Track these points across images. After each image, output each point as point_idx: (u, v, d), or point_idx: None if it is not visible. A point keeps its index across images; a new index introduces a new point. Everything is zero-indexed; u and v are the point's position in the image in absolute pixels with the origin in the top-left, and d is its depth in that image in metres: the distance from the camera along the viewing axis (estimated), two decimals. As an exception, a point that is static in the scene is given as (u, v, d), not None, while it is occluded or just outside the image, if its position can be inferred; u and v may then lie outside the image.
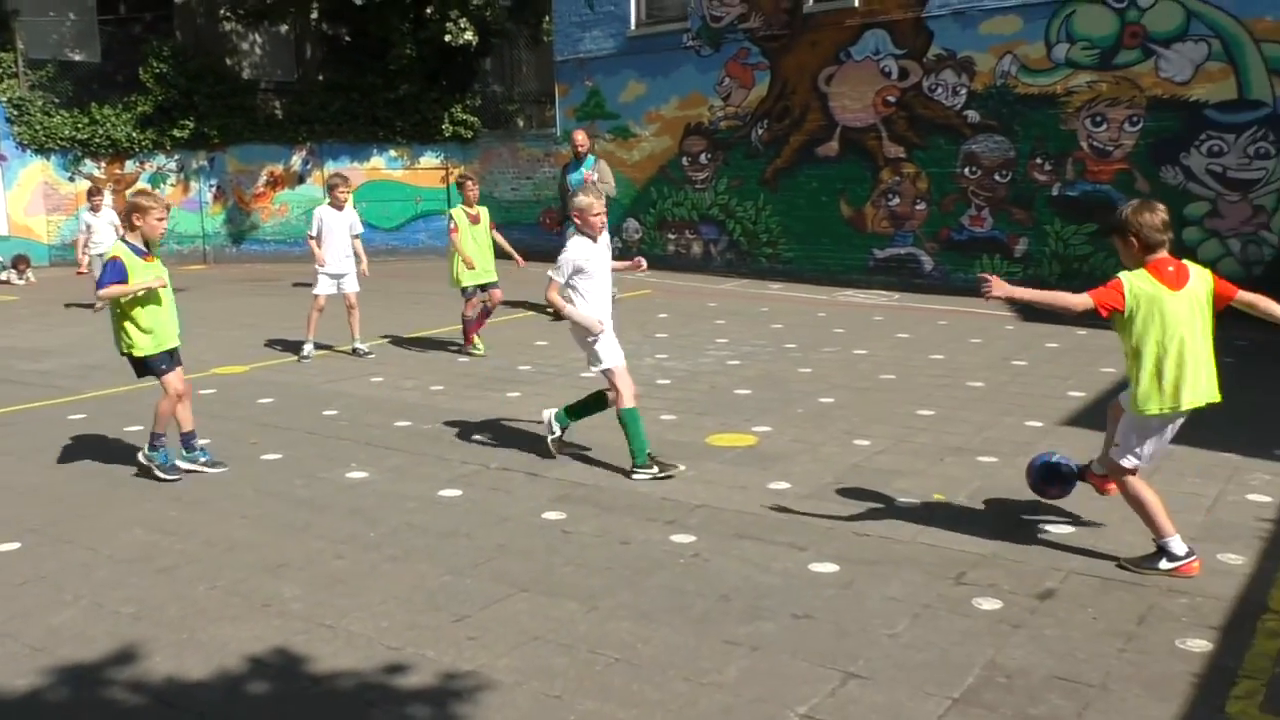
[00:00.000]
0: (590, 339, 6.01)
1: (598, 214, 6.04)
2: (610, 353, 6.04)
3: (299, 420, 7.41)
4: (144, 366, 6.14)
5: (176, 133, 19.88)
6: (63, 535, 5.08)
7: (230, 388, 8.57)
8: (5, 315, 13.51)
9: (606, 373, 6.05)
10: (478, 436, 6.85)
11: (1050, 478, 5.02)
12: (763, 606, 4.14)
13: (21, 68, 19.96)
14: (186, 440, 6.24)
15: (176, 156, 20.30)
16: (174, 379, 6.13)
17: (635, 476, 5.87)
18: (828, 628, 3.94)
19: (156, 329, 6.08)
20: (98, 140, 19.81)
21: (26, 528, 5.19)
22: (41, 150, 19.72)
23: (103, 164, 20.18)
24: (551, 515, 5.27)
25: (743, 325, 11.31)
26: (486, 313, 10.01)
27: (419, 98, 20.08)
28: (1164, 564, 4.35)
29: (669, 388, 8.29)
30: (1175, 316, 4.24)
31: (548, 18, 19.90)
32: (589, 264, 5.98)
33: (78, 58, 21.76)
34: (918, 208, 14.03)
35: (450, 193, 20.49)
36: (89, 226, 13.18)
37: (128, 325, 6.03)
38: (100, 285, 6.02)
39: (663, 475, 5.85)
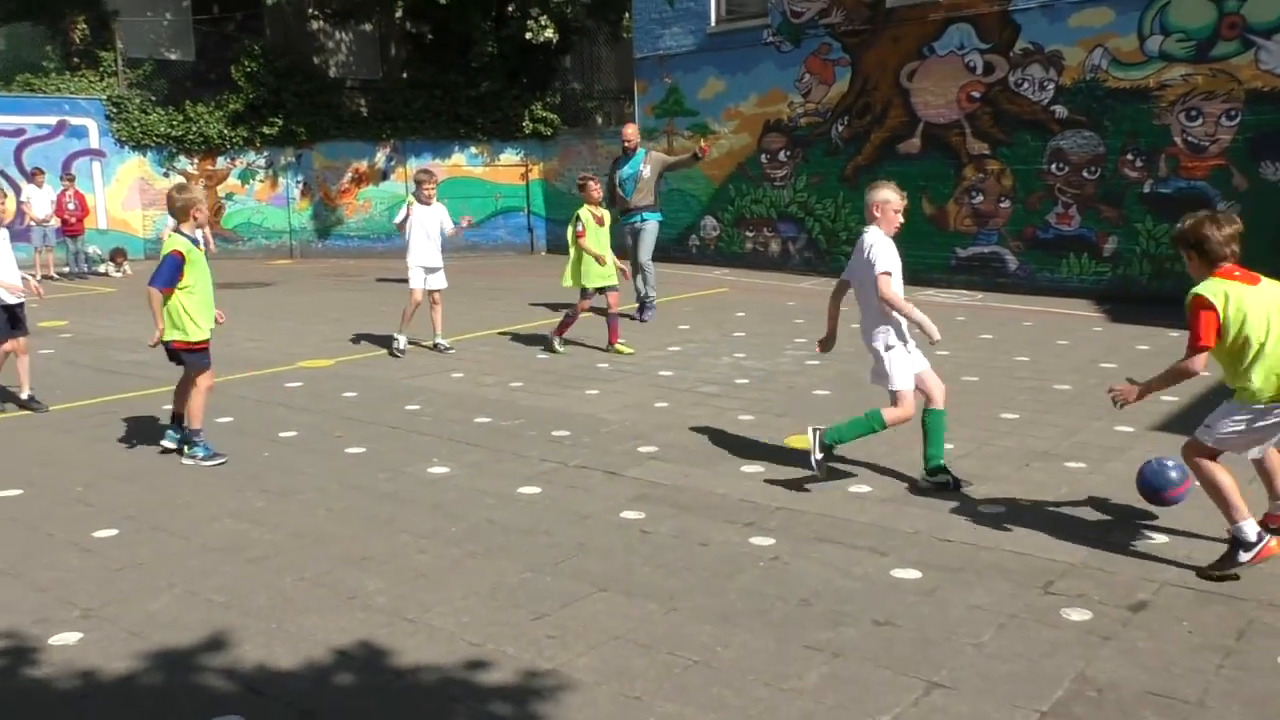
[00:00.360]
0: (890, 349, 5.52)
1: (899, 209, 5.58)
2: (904, 373, 5.54)
3: (382, 415, 7.53)
4: (188, 355, 6.35)
5: (266, 130, 20.36)
6: (158, 523, 5.23)
7: (316, 381, 8.74)
8: (103, 306, 13.97)
9: (895, 393, 5.54)
10: (556, 433, 6.89)
11: (1163, 484, 4.86)
12: (844, 612, 4.09)
13: (120, 66, 20.60)
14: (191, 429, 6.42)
15: (265, 153, 20.79)
16: (210, 372, 6.47)
17: (924, 483, 5.53)
18: (911, 635, 3.88)
19: (205, 318, 6.41)
20: (191, 137, 20.37)
21: (124, 514, 5.36)
22: (138, 147, 20.34)
23: (195, 160, 20.75)
24: (630, 514, 5.28)
25: (821, 324, 11.14)
26: (610, 316, 9.78)
27: (500, 95, 20.27)
28: (1243, 555, 4.23)
29: (746, 387, 8.25)
30: (1261, 309, 4.19)
31: (627, 15, 19.93)
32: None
33: (173, 57, 22.40)
34: (1002, 205, 13.75)
35: (529, 190, 20.67)
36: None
37: (189, 313, 6.28)
38: (160, 281, 6.17)
39: (954, 486, 5.48)
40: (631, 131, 11.96)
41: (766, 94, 16.20)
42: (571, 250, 9.80)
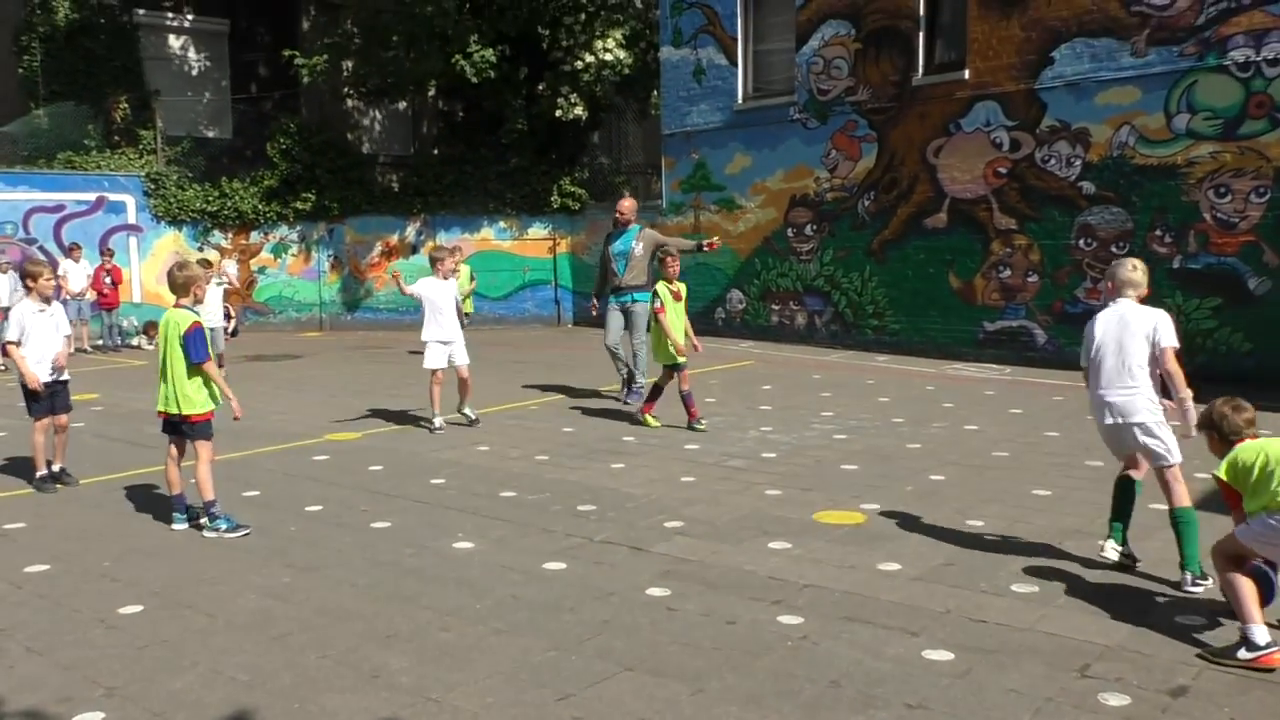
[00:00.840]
0: (1176, 425, 5.26)
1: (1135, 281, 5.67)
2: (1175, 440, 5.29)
3: (407, 488, 7.53)
4: (200, 427, 6.56)
5: (299, 205, 20.74)
6: (183, 600, 5.22)
7: (343, 454, 8.77)
8: (136, 379, 14.12)
9: (1169, 468, 5.22)
10: (582, 508, 6.86)
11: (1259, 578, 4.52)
12: (875, 695, 4.01)
13: (159, 144, 21.11)
14: (189, 504, 6.68)
15: (298, 227, 21.15)
16: (211, 443, 6.65)
17: (1190, 589, 5.07)
18: (943, 720, 3.79)
19: (211, 387, 6.61)
20: (226, 212, 20.78)
21: (149, 590, 5.36)
22: (174, 222, 20.75)
23: (230, 234, 21.12)
24: (656, 592, 5.22)
25: (849, 398, 11.15)
26: (683, 395, 9.57)
27: (529, 170, 20.58)
28: (1243, 653, 4.20)
29: (774, 461, 8.19)
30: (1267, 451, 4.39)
31: (656, 92, 20.29)
32: None
33: (211, 134, 22.95)
34: (1030, 280, 13.73)
35: (557, 263, 20.85)
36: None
37: (210, 386, 6.56)
38: (205, 355, 6.45)
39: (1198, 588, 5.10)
40: (627, 206, 11.36)
41: (793, 169, 16.37)
42: (653, 325, 9.73)
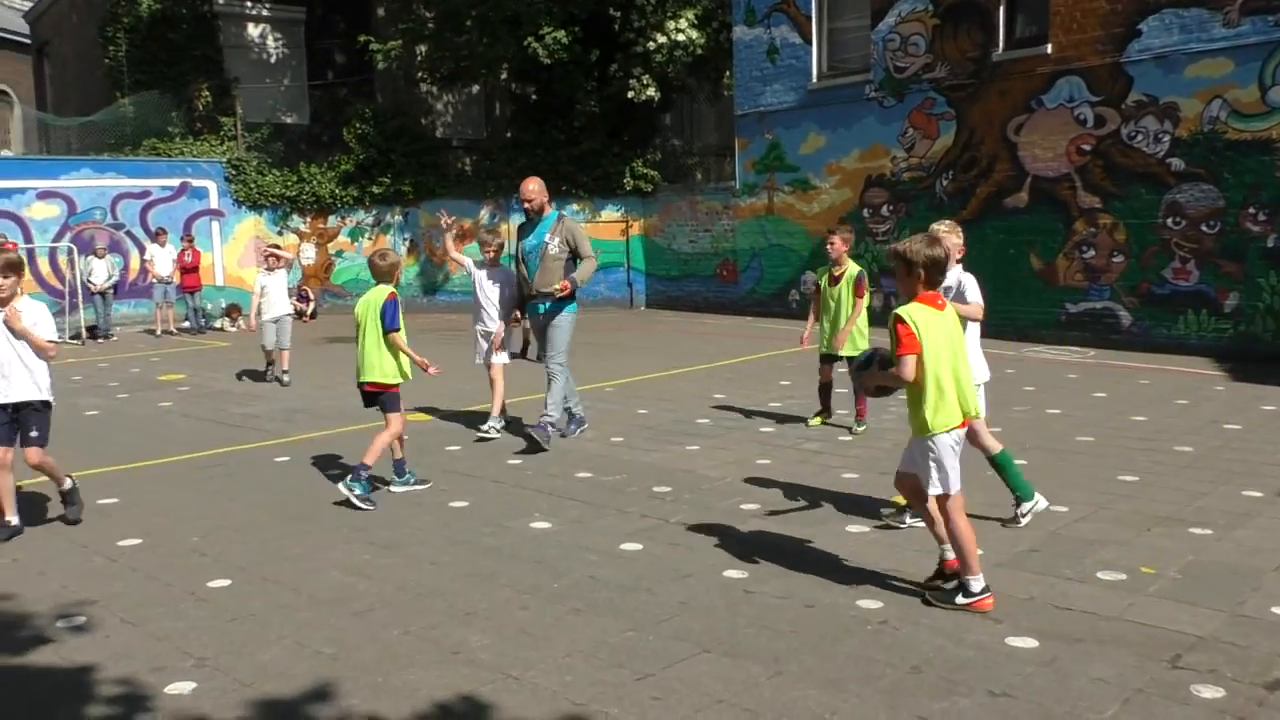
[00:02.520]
0: None
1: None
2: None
3: (485, 469, 7.60)
4: (383, 398, 6.89)
5: (375, 189, 21.03)
6: (268, 575, 5.33)
7: (420, 435, 8.87)
8: (219, 361, 14.47)
9: None
10: (658, 489, 6.85)
11: None
12: (957, 681, 3.94)
13: (240, 130, 21.55)
14: (399, 466, 7.04)
15: (374, 211, 21.45)
16: (402, 416, 6.98)
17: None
18: (1029, 708, 3.71)
19: (403, 362, 6.93)
20: (304, 197, 21.16)
21: (236, 565, 5.48)
22: (254, 206, 21.20)
23: (308, 219, 21.50)
24: (733, 574, 5.20)
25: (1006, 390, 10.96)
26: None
27: (601, 153, 20.60)
28: (960, 599, 4.62)
29: (850, 445, 8.11)
30: None
31: (729, 73, 20.13)
32: None
33: (289, 120, 23.37)
34: (1115, 260, 13.38)
35: (629, 246, 20.86)
36: (264, 288, 12.18)
37: (399, 359, 6.90)
38: (395, 326, 6.86)
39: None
40: (534, 188, 8.50)
41: (869, 149, 16.14)
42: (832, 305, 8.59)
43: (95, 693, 3.97)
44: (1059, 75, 13.63)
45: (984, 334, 6.55)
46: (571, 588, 5.06)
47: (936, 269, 4.64)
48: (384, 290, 6.91)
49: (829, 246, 8.47)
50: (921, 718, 3.67)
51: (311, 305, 20.69)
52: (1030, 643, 4.28)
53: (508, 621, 4.63)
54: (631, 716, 3.71)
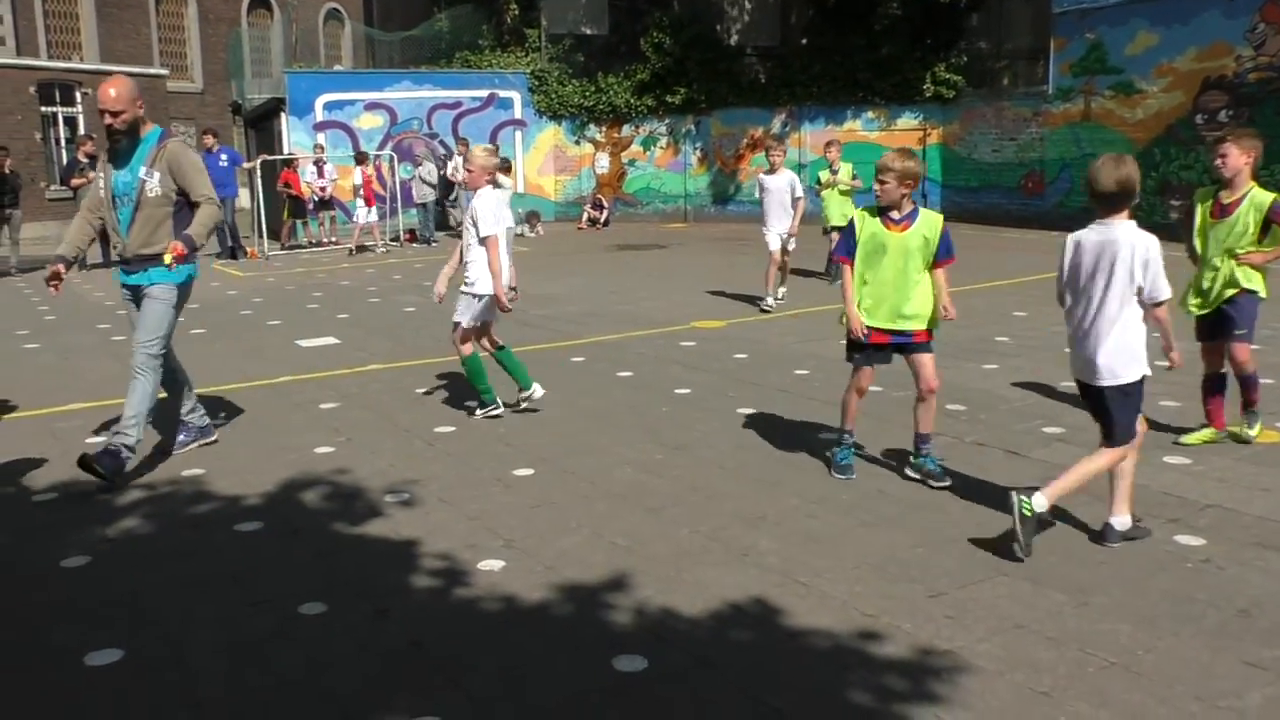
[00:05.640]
0: None
1: None
2: None
3: (770, 377, 7.60)
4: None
5: (670, 99, 21.19)
6: (566, 467, 5.60)
7: (708, 341, 8.99)
8: (519, 265, 15.18)
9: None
10: (951, 407, 6.60)
11: None
12: (1295, 631, 3.57)
13: (543, 42, 22.26)
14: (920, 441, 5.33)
15: (668, 121, 21.66)
16: (865, 374, 5.37)
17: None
18: (1383, 669, 3.31)
19: (872, 302, 5.25)
20: (601, 107, 21.66)
21: (538, 456, 5.79)
22: (554, 117, 21.94)
23: (604, 128, 22.03)
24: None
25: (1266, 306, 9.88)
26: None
27: (901, 58, 19.74)
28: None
29: (1175, 372, 7.44)
30: None
31: (1045, -34, 18.62)
32: None
33: (589, 32, 23.87)
34: None
35: (925, 155, 19.99)
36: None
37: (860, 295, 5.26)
38: (843, 250, 5.34)
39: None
40: (115, 93, 5.39)
41: (1208, 47, 14.53)
42: None
43: (421, 565, 4.33)
44: None
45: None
46: (860, 500, 4.99)
47: None
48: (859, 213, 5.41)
49: (1219, 161, 5.77)
50: (1249, 664, 3.35)
51: (605, 213, 21.30)
52: (1385, 598, 3.80)
53: (795, 529, 4.63)
54: (924, 633, 3.62)
